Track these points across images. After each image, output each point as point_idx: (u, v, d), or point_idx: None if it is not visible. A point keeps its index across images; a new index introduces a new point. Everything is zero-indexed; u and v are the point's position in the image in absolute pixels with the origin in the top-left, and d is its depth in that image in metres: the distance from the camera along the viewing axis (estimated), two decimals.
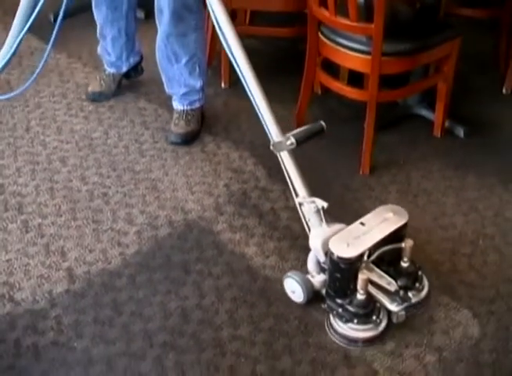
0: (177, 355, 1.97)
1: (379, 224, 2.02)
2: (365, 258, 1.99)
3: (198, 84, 2.84)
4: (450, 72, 2.74)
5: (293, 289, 2.10)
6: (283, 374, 1.92)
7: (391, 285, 1.99)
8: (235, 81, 3.28)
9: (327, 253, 1.98)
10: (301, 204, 2.10)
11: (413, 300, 1.99)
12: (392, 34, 2.45)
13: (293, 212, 2.46)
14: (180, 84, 2.83)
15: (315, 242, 2.05)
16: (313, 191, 2.57)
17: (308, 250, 2.11)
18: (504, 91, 3.19)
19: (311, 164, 2.75)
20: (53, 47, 2.60)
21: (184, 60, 2.75)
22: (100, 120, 3.04)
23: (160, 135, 2.93)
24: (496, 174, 2.69)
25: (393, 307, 1.95)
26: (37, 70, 2.46)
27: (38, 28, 2.63)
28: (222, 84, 3.28)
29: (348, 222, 2.42)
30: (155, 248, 2.35)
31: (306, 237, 2.36)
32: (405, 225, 2.04)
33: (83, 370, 1.93)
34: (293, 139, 2.07)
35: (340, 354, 1.97)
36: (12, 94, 2.78)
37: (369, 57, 2.49)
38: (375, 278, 1.99)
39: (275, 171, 2.69)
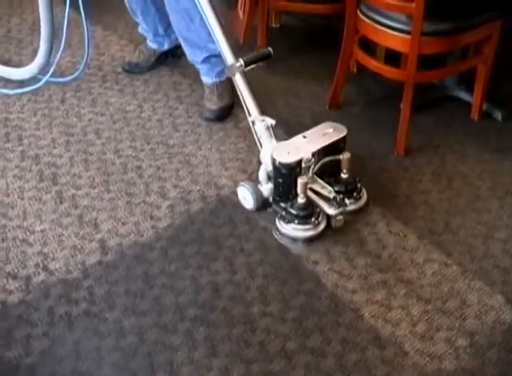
0: (207, 329, 1.98)
1: (319, 137, 2.28)
2: (311, 170, 2.24)
3: (217, 47, 2.80)
4: (490, 54, 2.69)
5: (245, 196, 2.36)
6: (312, 352, 1.92)
7: (330, 192, 2.23)
8: (271, 59, 3.26)
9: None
10: (253, 123, 2.33)
11: (350, 206, 2.26)
12: (433, 13, 2.40)
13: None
14: (201, 48, 2.77)
15: (264, 155, 2.28)
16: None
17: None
18: None
19: (347, 143, 2.74)
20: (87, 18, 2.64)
21: (197, 19, 2.66)
22: (135, 93, 3.05)
23: (194, 109, 2.92)
24: None
25: (330, 211, 2.20)
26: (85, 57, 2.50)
27: (73, 0, 2.65)
28: None
29: (382, 203, 2.43)
30: (187, 223, 2.36)
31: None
32: (343, 139, 2.29)
33: (114, 341, 1.95)
34: (242, 62, 2.32)
35: (371, 334, 1.97)
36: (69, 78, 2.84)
37: (408, 36, 2.45)
38: (317, 187, 2.25)
39: None
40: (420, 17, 2.36)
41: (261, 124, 2.30)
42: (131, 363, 1.89)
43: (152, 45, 3.17)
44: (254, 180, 2.41)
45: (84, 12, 2.66)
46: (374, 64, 2.72)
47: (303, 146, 2.24)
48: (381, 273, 2.16)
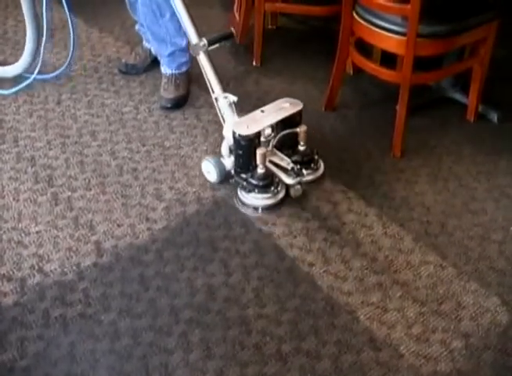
0: (203, 331, 1.98)
1: (276, 111, 2.40)
2: (270, 144, 2.38)
3: (184, 42, 2.86)
4: (486, 55, 2.69)
5: (209, 170, 2.48)
6: (307, 354, 1.92)
7: (288, 164, 2.35)
8: (266, 60, 3.28)
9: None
10: (216, 100, 2.43)
11: (307, 176, 2.40)
12: (428, 15, 2.40)
13: (323, 193, 2.46)
14: (166, 42, 2.85)
15: (227, 130, 2.39)
16: (343, 172, 2.58)
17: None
18: None
19: (343, 145, 2.75)
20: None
21: (168, 15, 2.76)
22: (131, 95, 3.05)
23: (189, 111, 2.92)
24: None
25: (288, 180, 2.32)
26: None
27: (70, 2, 2.64)
28: (254, 62, 3.26)
29: (378, 204, 2.43)
30: (183, 225, 2.36)
31: (335, 218, 2.37)
32: (299, 113, 2.41)
33: (109, 343, 1.95)
34: (205, 41, 2.41)
35: (366, 336, 1.96)
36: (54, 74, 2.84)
37: (404, 38, 2.45)
38: (276, 160, 2.37)
39: None
40: (416, 19, 2.36)
41: (223, 101, 2.41)
42: (126, 365, 1.89)
43: (148, 45, 3.17)
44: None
45: (68, 7, 2.64)
46: (370, 66, 2.71)
47: (261, 120, 2.36)
48: (377, 275, 2.16)
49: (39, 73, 2.88)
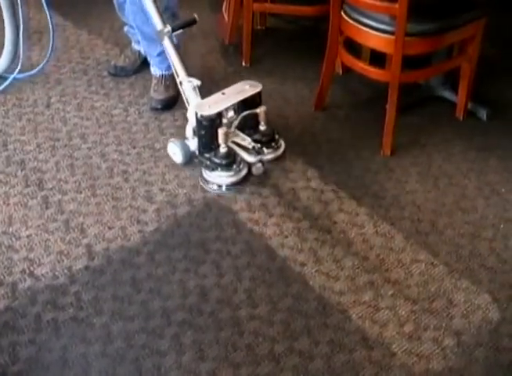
0: (195, 333, 1.98)
1: (236, 93, 2.49)
2: (233, 125, 2.46)
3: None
4: (474, 53, 2.70)
5: (174, 151, 2.56)
6: (300, 354, 1.92)
7: (249, 143, 2.44)
8: (255, 60, 3.28)
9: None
10: (181, 83, 2.52)
11: (268, 155, 2.50)
12: (416, 14, 2.41)
13: (314, 193, 2.46)
14: (156, 42, 2.80)
15: (190, 112, 2.48)
16: (334, 171, 2.58)
17: None
18: None
19: (333, 144, 2.75)
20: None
21: None
22: (120, 97, 3.04)
23: (179, 113, 2.91)
24: None
25: (250, 158, 2.39)
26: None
27: (59, 4, 2.63)
28: (243, 63, 3.26)
29: (369, 204, 2.44)
30: (174, 226, 2.36)
31: (326, 218, 2.37)
32: (258, 94, 2.49)
33: (102, 346, 1.94)
34: (169, 28, 2.51)
35: (358, 335, 1.97)
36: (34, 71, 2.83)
37: (392, 37, 2.45)
38: (238, 140, 2.45)
39: (296, 150, 2.69)
40: (404, 18, 2.37)
41: (188, 84, 2.50)
42: (119, 368, 1.89)
43: (137, 46, 3.17)
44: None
45: (46, 4, 2.63)
46: (359, 65, 2.72)
47: (222, 101, 2.45)
48: (368, 274, 2.16)
49: (20, 72, 2.87)
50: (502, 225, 2.35)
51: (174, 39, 2.90)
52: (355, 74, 2.81)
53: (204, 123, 2.39)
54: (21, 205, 2.44)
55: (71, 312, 2.04)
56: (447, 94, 2.96)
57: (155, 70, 2.96)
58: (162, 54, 2.88)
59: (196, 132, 2.49)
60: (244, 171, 2.45)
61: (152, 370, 1.88)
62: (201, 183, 2.49)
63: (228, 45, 3.39)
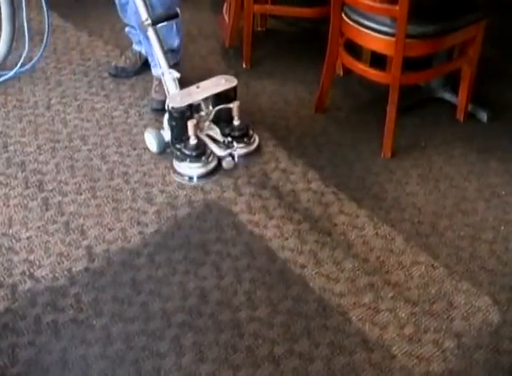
0: (195, 335, 1.98)
1: (210, 87, 2.47)
2: (207, 118, 2.45)
3: (176, 42, 2.87)
4: (475, 55, 2.70)
5: (150, 141, 2.56)
6: (300, 357, 1.92)
7: (219, 136, 2.42)
8: (256, 62, 3.28)
9: None
10: (163, 74, 2.54)
11: (239, 150, 2.42)
12: (417, 16, 2.41)
13: (314, 195, 2.46)
14: None
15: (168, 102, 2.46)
16: (334, 173, 2.58)
17: None
18: None
19: (333, 146, 2.75)
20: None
21: None
22: (121, 98, 3.04)
23: None
24: None
25: (219, 152, 2.38)
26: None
27: (59, 6, 2.63)
28: (244, 65, 3.26)
29: (369, 206, 2.44)
30: (174, 228, 2.35)
31: (326, 220, 2.37)
32: (233, 89, 2.47)
33: (102, 348, 1.94)
34: (149, 20, 2.50)
35: (359, 338, 1.97)
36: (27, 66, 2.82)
37: (392, 39, 2.45)
38: (212, 133, 2.44)
39: (297, 152, 2.69)
40: (404, 20, 2.37)
41: (168, 76, 2.51)
42: (119, 370, 1.88)
43: (138, 47, 3.17)
44: None
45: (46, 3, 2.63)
46: (360, 67, 2.72)
47: (194, 94, 2.44)
48: (368, 276, 2.16)
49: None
50: (502, 228, 2.35)
51: (176, 42, 2.91)
52: (356, 75, 2.81)
53: (175, 115, 2.39)
54: (21, 207, 2.44)
55: (71, 314, 2.04)
56: (447, 96, 2.96)
57: (156, 71, 2.96)
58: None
59: (168, 123, 2.52)
60: (213, 164, 2.42)
61: (152, 372, 1.88)
62: (173, 175, 2.48)
63: (229, 46, 3.39)
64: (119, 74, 3.18)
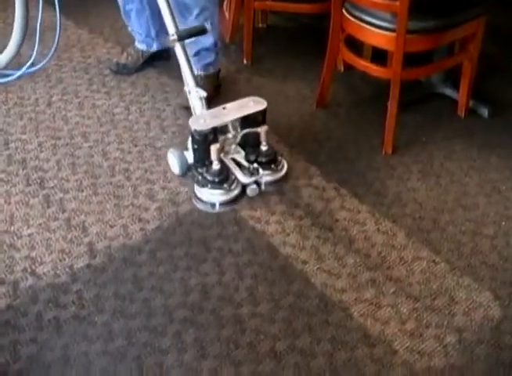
0: (197, 331, 1.98)
1: (238, 109, 2.32)
2: (234, 142, 2.33)
3: (209, 40, 2.82)
4: (475, 51, 2.70)
5: (172, 162, 2.44)
6: (302, 352, 1.92)
7: (245, 161, 2.30)
8: (257, 58, 3.28)
9: None
10: (189, 92, 2.42)
11: (265, 177, 2.29)
12: (417, 11, 2.41)
13: (316, 190, 2.46)
14: (194, 42, 2.75)
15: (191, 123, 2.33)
16: (335, 169, 2.58)
17: None
18: None
19: (334, 142, 2.75)
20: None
21: (195, 13, 2.73)
22: (122, 95, 3.04)
23: (181, 111, 2.91)
24: None
25: (243, 179, 2.24)
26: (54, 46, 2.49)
27: (61, 4, 2.63)
28: (244, 61, 3.26)
29: (371, 201, 2.44)
30: (176, 224, 2.36)
31: (328, 215, 2.38)
32: (262, 112, 2.31)
33: (103, 345, 1.94)
34: (175, 36, 2.39)
35: (360, 333, 1.97)
36: (33, 69, 2.82)
37: (393, 34, 2.45)
38: (238, 157, 2.32)
39: (298, 148, 2.69)
40: (405, 15, 2.37)
41: (195, 94, 2.40)
42: (120, 366, 1.88)
43: (140, 45, 3.17)
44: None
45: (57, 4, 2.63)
46: (360, 63, 2.72)
47: (219, 116, 2.31)
48: (370, 272, 2.16)
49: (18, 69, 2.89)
50: (503, 223, 2.35)
51: (210, 40, 2.83)
52: (357, 71, 2.81)
53: (197, 137, 2.25)
54: (22, 204, 2.44)
55: (73, 311, 2.04)
56: (448, 91, 2.95)
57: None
58: (198, 53, 2.85)
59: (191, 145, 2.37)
60: (237, 191, 2.27)
61: (153, 368, 1.88)
62: (193, 200, 2.31)
63: (230, 42, 3.39)
64: (120, 71, 3.17)
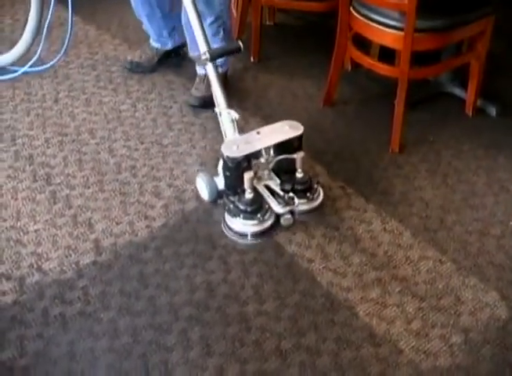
0: (202, 329, 1.98)
1: (272, 134, 2.23)
2: (267, 167, 2.24)
3: (222, 46, 2.80)
4: (484, 50, 2.69)
5: (201, 188, 2.37)
6: (307, 351, 1.92)
7: (279, 189, 2.22)
8: (264, 56, 3.27)
9: None
10: (220, 114, 2.33)
11: (301, 206, 2.22)
12: (425, 10, 2.40)
13: (322, 189, 2.45)
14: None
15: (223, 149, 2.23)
16: (342, 168, 2.58)
17: None
18: None
19: (341, 140, 2.75)
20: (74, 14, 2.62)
21: (209, 20, 2.73)
22: (128, 92, 3.04)
23: (187, 108, 2.91)
24: None
25: (277, 208, 2.18)
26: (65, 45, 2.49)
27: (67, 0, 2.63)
28: (251, 59, 3.26)
29: (377, 200, 2.43)
30: (182, 222, 2.36)
31: (334, 214, 2.37)
32: (298, 138, 2.23)
33: (109, 341, 1.94)
34: (207, 55, 2.33)
35: (366, 332, 1.96)
36: (43, 67, 2.82)
37: (401, 33, 2.45)
38: (272, 185, 2.24)
39: (304, 147, 2.67)
40: (413, 14, 2.36)
41: (226, 116, 2.30)
42: (126, 363, 1.89)
43: (155, 44, 3.16)
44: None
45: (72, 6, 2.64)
46: (368, 62, 2.71)
47: (253, 142, 2.21)
48: (376, 271, 2.16)
49: (31, 66, 2.89)
50: (510, 223, 2.34)
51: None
52: (364, 69, 2.81)
53: (230, 164, 2.16)
54: (29, 200, 2.44)
55: (79, 307, 2.04)
56: (456, 90, 2.95)
57: (200, 70, 2.91)
58: None
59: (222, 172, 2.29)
60: (270, 221, 2.20)
61: (159, 366, 1.88)
62: (224, 229, 2.26)
63: (237, 40, 3.38)
64: (134, 69, 3.16)
